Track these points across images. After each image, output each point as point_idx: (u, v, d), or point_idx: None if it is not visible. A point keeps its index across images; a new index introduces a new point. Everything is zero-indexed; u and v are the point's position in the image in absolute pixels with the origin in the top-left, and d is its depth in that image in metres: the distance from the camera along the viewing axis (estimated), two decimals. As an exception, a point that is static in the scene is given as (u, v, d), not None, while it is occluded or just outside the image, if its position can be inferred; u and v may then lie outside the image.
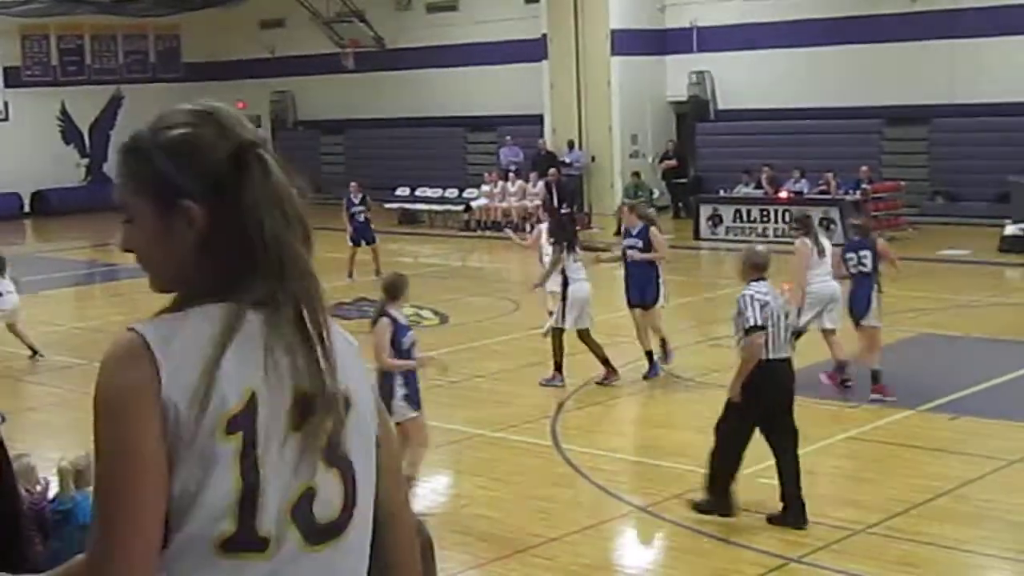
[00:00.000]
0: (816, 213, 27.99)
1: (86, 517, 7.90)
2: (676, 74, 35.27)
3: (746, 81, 33.74)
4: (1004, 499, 10.47)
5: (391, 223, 35.79)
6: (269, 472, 2.44)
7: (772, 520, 10.46)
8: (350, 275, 25.58)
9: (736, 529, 10.42)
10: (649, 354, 15.86)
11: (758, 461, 12.28)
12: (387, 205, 36.86)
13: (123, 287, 27.37)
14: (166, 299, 2.56)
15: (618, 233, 31.46)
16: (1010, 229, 26.01)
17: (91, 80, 44.04)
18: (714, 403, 14.82)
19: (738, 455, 10.53)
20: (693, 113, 35.17)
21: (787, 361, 10.62)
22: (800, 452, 12.52)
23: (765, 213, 29.23)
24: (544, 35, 35.77)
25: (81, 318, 23.18)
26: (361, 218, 27.15)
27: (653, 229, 16.13)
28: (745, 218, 29.48)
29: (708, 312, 21.73)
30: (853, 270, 14.52)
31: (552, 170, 32.20)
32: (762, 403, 10.34)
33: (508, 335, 19.39)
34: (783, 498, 10.49)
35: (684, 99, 35.26)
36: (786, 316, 10.81)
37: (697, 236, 29.99)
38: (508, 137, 36.71)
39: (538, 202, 32.30)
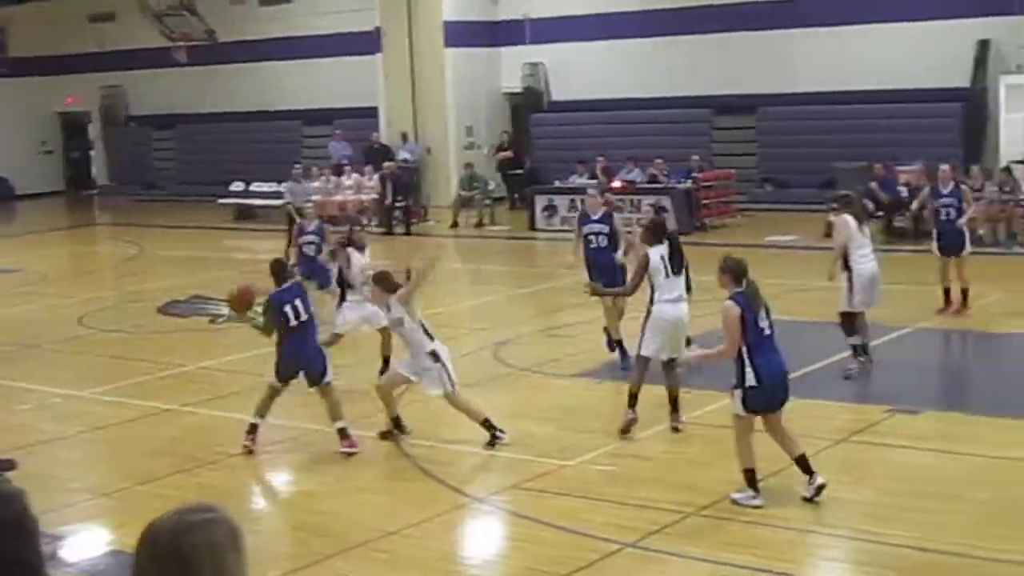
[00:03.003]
0: (649, 201, 28.63)
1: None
2: (510, 65, 35.49)
3: (579, 72, 34.07)
4: (832, 478, 10.72)
5: (226, 219, 35.44)
6: None
7: None
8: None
9: (573, 516, 10.53)
10: (620, 343, 15.74)
11: (594, 448, 12.48)
12: (221, 201, 36.50)
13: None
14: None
15: (454, 225, 31.72)
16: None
17: (-87, 75, 42.80)
18: (551, 393, 15.03)
19: None
20: (527, 104, 35.44)
21: None
22: (635, 437, 12.79)
23: (600, 203, 29.46)
24: (377, 28, 35.69)
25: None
26: (311, 251, 19.03)
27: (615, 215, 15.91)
28: (580, 208, 29.67)
29: (545, 302, 21.92)
30: None
31: (387, 163, 32.16)
32: None
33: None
34: None
35: (518, 90, 35.49)
36: None
37: (533, 227, 30.21)
38: (337, 131, 36.56)
39: (374, 195, 32.27)
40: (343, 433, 12.73)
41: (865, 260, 15.31)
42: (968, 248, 18.13)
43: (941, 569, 9.21)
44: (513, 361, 16.16)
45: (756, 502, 10.50)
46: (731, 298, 10.55)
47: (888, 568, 9.34)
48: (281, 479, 12.89)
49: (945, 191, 18.52)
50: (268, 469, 13.07)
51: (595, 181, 30.67)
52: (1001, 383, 15.64)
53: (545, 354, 17.04)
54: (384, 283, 12.88)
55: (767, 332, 10.54)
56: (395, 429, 13.15)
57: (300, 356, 12.75)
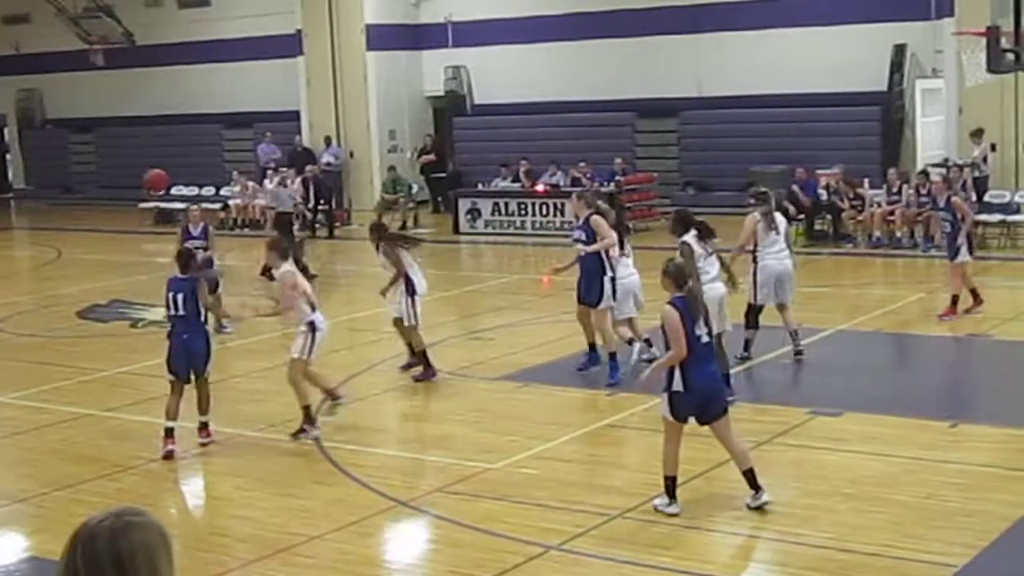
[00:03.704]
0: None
1: None
2: (432, 69, 35.46)
3: (502, 75, 34.11)
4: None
5: (146, 223, 35.11)
6: None
7: None
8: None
9: (497, 519, 10.52)
10: (592, 345, 15.59)
11: (518, 451, 12.49)
12: (142, 205, 36.14)
13: None
14: None
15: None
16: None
17: None
18: (474, 396, 15.02)
19: None
20: (450, 107, 35.42)
21: None
22: (559, 440, 12.81)
23: (523, 206, 29.58)
24: (299, 30, 35.55)
25: None
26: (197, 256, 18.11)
27: (595, 218, 15.20)
28: (504, 211, 29.79)
29: (468, 306, 21.92)
30: None
31: (310, 166, 32.01)
32: None
33: (265, 334, 19.19)
34: None
35: (441, 94, 35.47)
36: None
37: (456, 230, 30.21)
38: (267, 133, 36.34)
39: (297, 199, 32.06)
40: (204, 425, 13.23)
41: (772, 257, 15.49)
42: (961, 257, 18.16)
43: (861, 569, 9.28)
44: (436, 364, 16.11)
45: (672, 510, 10.46)
46: (670, 302, 10.44)
47: (809, 569, 9.41)
48: (202, 484, 12.77)
49: (941, 204, 18.78)
50: (189, 474, 12.96)
51: (519, 185, 30.79)
52: (921, 385, 15.83)
53: (468, 357, 17.03)
54: (276, 249, 13.55)
55: (703, 340, 10.37)
56: (330, 396, 13.64)
57: (180, 349, 13.02)
